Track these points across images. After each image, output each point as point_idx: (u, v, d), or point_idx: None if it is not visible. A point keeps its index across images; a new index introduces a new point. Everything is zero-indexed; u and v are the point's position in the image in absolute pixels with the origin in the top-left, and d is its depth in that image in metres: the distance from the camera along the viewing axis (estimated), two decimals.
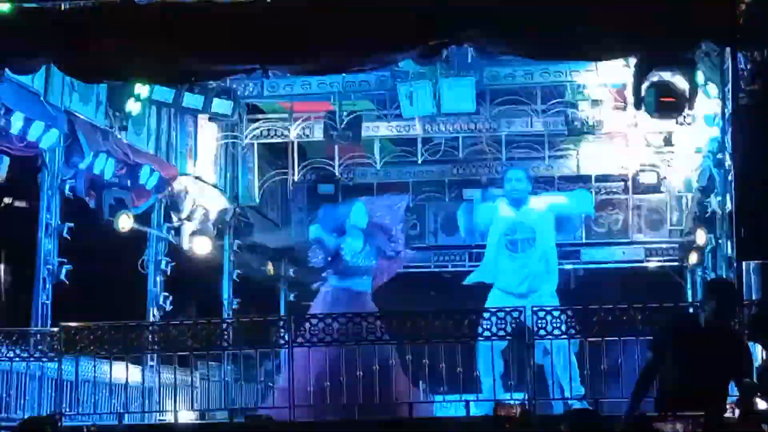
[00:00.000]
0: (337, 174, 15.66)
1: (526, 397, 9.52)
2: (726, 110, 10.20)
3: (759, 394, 6.94)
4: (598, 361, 9.90)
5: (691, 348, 6.90)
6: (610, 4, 9.00)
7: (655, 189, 16.47)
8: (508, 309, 9.72)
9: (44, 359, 10.02)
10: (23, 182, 11.61)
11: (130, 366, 10.75)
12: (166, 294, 13.68)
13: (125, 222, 12.58)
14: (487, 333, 9.61)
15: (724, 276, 10.10)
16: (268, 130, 14.91)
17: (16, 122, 10.42)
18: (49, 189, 11.38)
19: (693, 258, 15.38)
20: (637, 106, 10.20)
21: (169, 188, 13.55)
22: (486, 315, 9.66)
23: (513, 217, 11.87)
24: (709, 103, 11.66)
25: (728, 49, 9.52)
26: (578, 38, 9.06)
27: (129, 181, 12.50)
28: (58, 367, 9.86)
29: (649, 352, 7.18)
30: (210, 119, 13.69)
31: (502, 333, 9.58)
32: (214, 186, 14.81)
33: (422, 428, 9.61)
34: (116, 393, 10.98)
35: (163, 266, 13.68)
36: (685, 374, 6.84)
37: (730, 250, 10.18)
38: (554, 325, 9.52)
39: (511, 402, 9.17)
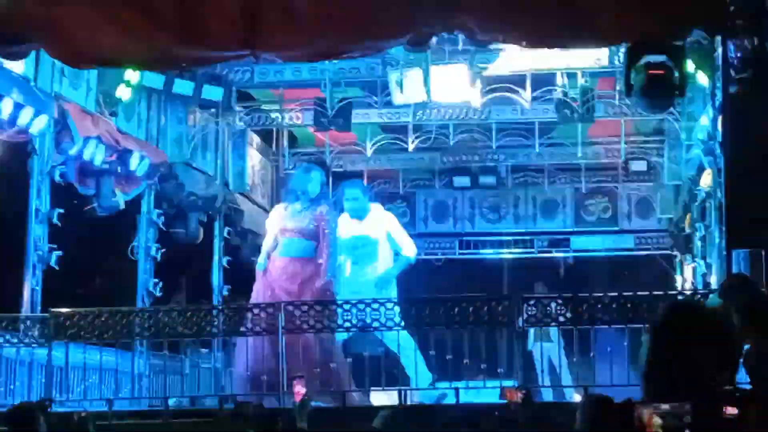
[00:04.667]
0: (327, 161, 15.67)
1: (516, 384, 9.55)
2: (716, 99, 10.22)
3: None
4: (588, 349, 9.96)
5: (690, 337, 6.88)
6: None
7: (645, 177, 16.53)
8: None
9: (34, 345, 10.01)
10: (13, 168, 11.59)
11: (120, 352, 10.77)
12: (156, 280, 13.66)
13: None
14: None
15: (720, 265, 10.10)
16: (259, 116, 14.90)
17: (6, 107, 10.39)
18: (38, 175, 11.34)
19: (682, 247, 15.43)
20: (628, 94, 10.21)
21: (159, 174, 13.52)
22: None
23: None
24: (699, 92, 11.69)
25: (718, 38, 9.54)
26: (569, 26, 9.05)
27: (119, 168, 12.48)
28: (48, 353, 9.86)
29: (646, 335, 7.14)
30: (200, 105, 13.66)
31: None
32: (204, 172, 14.79)
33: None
34: (106, 379, 11.00)
35: (153, 252, 13.66)
36: (682, 363, 6.82)
37: (719, 239, 10.20)
38: (544, 312, 9.56)
39: (516, 387, 9.16)
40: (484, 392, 9.81)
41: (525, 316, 9.53)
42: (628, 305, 9.39)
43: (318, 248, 11.11)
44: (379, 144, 15.53)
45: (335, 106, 13.83)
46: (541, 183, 16.91)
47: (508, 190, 17.36)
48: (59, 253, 11.34)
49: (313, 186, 11.31)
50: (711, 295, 9.29)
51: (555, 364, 13.97)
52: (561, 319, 9.58)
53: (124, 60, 10.06)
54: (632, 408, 6.44)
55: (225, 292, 15.06)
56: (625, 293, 9.52)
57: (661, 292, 9.94)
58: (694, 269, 14.54)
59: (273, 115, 14.86)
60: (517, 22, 8.96)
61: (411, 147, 15.18)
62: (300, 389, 8.30)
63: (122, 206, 12.79)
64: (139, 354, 12.10)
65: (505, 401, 8.59)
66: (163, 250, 13.79)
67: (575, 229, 17.37)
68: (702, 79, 10.78)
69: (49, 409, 8.28)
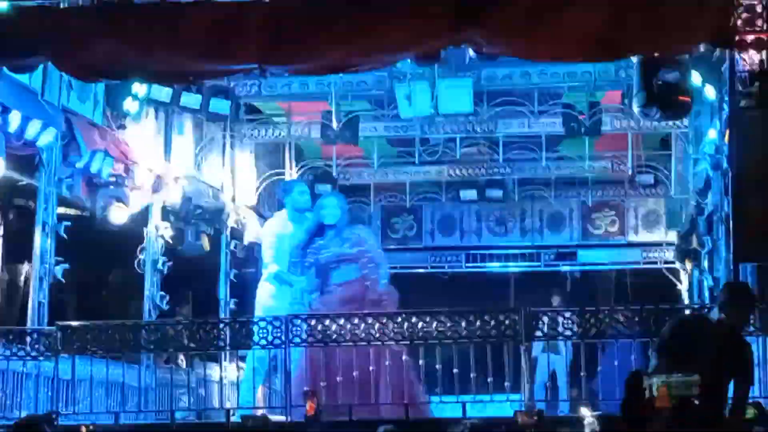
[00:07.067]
0: (334, 174, 15.68)
1: (523, 398, 9.54)
2: (723, 112, 10.21)
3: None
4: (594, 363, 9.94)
5: (700, 351, 6.86)
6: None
7: (652, 191, 16.51)
8: None
9: (41, 358, 10.01)
10: (20, 181, 11.60)
11: (127, 365, 10.76)
12: (163, 293, 13.65)
13: (118, 214, 12.55)
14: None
15: (727, 278, 10.07)
16: (266, 129, 14.91)
17: (14, 121, 10.41)
18: (46, 188, 11.37)
19: (689, 260, 15.39)
20: (636, 107, 10.21)
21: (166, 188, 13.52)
22: None
23: None
24: (706, 106, 11.68)
25: (726, 51, 9.53)
26: (576, 40, 9.04)
27: (126, 180, 12.48)
28: (55, 366, 9.87)
29: (655, 354, 7.11)
30: (207, 119, 13.67)
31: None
32: (212, 185, 14.79)
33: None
34: (112, 392, 10.99)
35: (159, 266, 13.65)
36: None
37: (726, 253, 10.18)
38: (550, 326, 9.55)
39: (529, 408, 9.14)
40: (490, 406, 9.79)
41: (532, 330, 9.52)
42: (636, 319, 9.38)
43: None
44: (385, 157, 15.54)
45: (342, 120, 13.85)
46: (548, 196, 16.87)
47: (514, 203, 17.32)
48: (66, 266, 11.35)
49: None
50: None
51: (559, 377, 13.94)
52: (568, 332, 9.57)
53: (131, 73, 10.08)
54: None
55: (232, 306, 15.04)
56: (632, 307, 9.51)
57: (668, 306, 9.93)
58: (701, 283, 14.50)
59: (280, 128, 14.87)
60: (525, 37, 8.96)
61: (418, 160, 15.17)
62: (312, 403, 8.28)
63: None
64: (146, 367, 12.08)
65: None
66: (169, 263, 13.79)
67: (582, 243, 17.33)
68: (709, 92, 10.77)
69: (55, 422, 8.28)
